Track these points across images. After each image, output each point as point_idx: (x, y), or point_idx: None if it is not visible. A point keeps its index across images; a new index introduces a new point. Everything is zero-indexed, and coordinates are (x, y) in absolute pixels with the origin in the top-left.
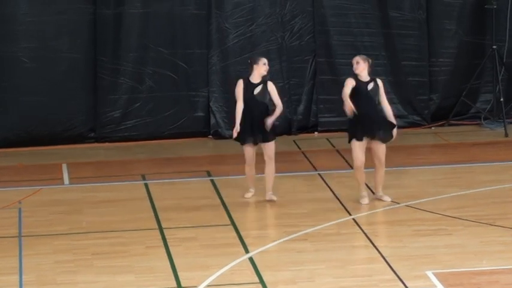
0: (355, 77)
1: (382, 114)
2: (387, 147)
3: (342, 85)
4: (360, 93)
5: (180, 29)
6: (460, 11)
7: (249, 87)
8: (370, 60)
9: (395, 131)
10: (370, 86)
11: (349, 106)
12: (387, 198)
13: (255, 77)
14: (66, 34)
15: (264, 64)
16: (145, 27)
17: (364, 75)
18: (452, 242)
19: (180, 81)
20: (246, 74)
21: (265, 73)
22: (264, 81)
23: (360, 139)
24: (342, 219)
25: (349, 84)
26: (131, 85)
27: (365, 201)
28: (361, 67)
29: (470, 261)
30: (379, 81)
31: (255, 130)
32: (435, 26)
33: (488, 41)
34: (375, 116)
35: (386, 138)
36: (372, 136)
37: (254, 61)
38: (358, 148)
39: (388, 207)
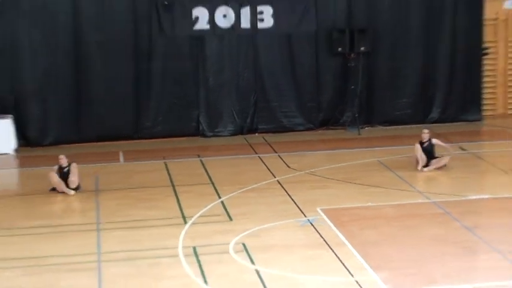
0: None
1: None
2: (284, 141)
3: (272, 109)
4: None
5: (183, 76)
6: (335, 68)
7: None
8: None
9: None
10: None
11: None
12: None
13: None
14: (121, 79)
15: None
16: (163, 75)
17: None
18: (330, 192)
19: (183, 106)
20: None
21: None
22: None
23: None
24: (271, 180)
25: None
26: (156, 108)
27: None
28: None
29: (341, 203)
30: None
31: None
32: (322, 77)
33: (350, 83)
34: None
35: None
36: None
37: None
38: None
39: (296, 174)
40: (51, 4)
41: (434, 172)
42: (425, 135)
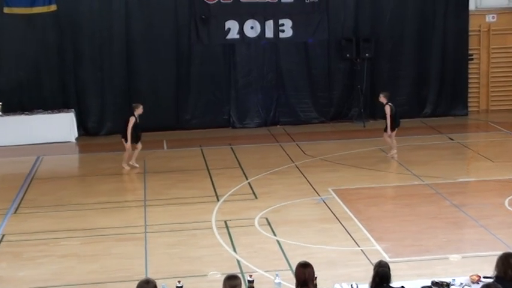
0: None
1: None
2: (301, 132)
3: (291, 105)
4: None
5: (217, 77)
6: (344, 70)
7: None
8: None
9: None
10: None
11: None
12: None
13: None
14: (165, 80)
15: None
16: (200, 77)
17: None
18: (340, 175)
19: (216, 102)
20: None
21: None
22: None
23: None
24: (290, 165)
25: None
26: (194, 103)
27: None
28: None
29: (349, 184)
30: None
31: None
32: (333, 79)
33: (356, 83)
34: None
35: None
36: None
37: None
38: None
39: (311, 159)
40: (106, 16)
41: (427, 158)
42: (382, 99)
